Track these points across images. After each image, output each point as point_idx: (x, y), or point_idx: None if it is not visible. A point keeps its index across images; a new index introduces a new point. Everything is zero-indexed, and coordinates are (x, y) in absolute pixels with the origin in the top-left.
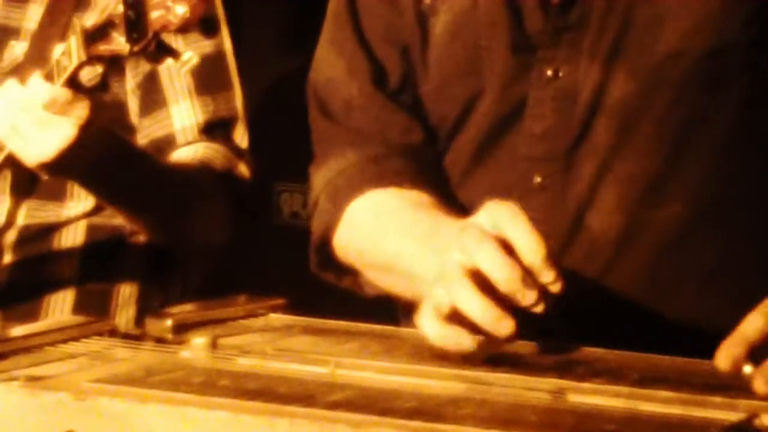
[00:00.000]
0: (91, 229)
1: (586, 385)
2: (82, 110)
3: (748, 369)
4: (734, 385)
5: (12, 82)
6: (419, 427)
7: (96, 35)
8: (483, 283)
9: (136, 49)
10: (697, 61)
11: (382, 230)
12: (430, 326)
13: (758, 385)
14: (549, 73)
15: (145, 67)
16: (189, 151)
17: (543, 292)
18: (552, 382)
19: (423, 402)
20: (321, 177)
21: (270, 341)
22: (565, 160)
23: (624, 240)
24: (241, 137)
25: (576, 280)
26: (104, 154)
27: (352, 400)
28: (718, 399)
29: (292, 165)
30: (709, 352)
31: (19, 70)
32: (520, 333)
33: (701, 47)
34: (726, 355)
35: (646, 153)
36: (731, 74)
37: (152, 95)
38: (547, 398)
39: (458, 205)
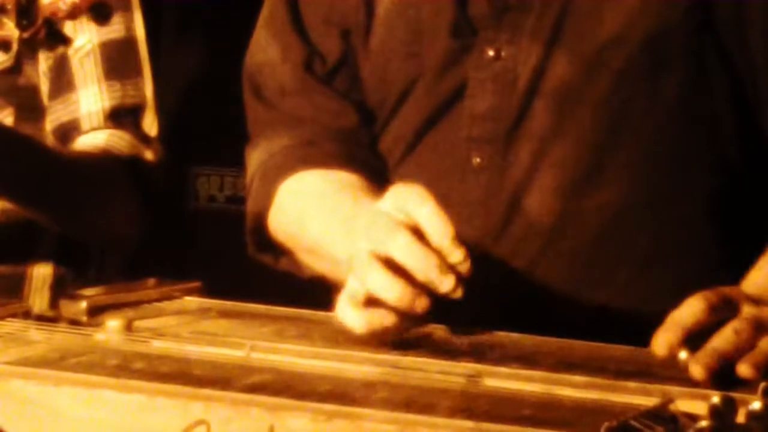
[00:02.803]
0: (3, 214)
1: (501, 369)
2: None
3: (683, 355)
4: (649, 371)
5: None
6: (334, 410)
7: None
8: (395, 268)
9: (25, 35)
10: (638, 47)
11: (307, 212)
12: (349, 315)
13: (694, 371)
14: (491, 53)
15: (57, 50)
16: (94, 138)
17: (459, 279)
18: (467, 367)
19: (338, 385)
20: (255, 159)
21: (185, 324)
22: (504, 142)
23: (560, 224)
24: (149, 125)
25: (511, 263)
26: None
27: (267, 383)
28: (633, 384)
29: (209, 149)
30: (642, 339)
31: None
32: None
33: (642, 32)
34: (662, 341)
35: (583, 138)
36: (672, 61)
37: (62, 78)
38: (462, 382)
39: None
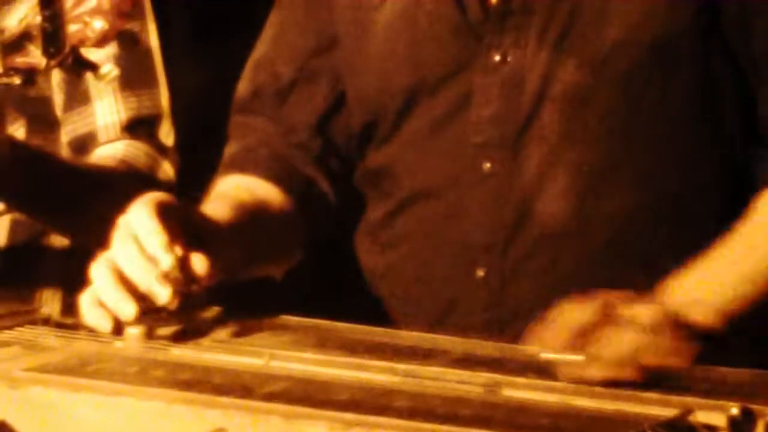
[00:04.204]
0: (15, 225)
1: (519, 379)
2: None
3: (561, 356)
4: (667, 382)
5: None
6: (353, 419)
7: (12, 47)
8: (121, 275)
9: (52, 63)
10: (645, 50)
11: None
12: (82, 306)
13: (562, 373)
14: (496, 58)
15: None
16: (111, 149)
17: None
18: (485, 377)
19: (357, 394)
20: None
21: (205, 333)
22: (512, 147)
23: (572, 228)
24: (166, 134)
25: (523, 268)
26: (11, 169)
27: (287, 391)
28: (652, 395)
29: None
30: None
31: None
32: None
33: (650, 36)
34: (547, 341)
35: (593, 141)
36: (680, 64)
37: (76, 90)
38: (480, 392)
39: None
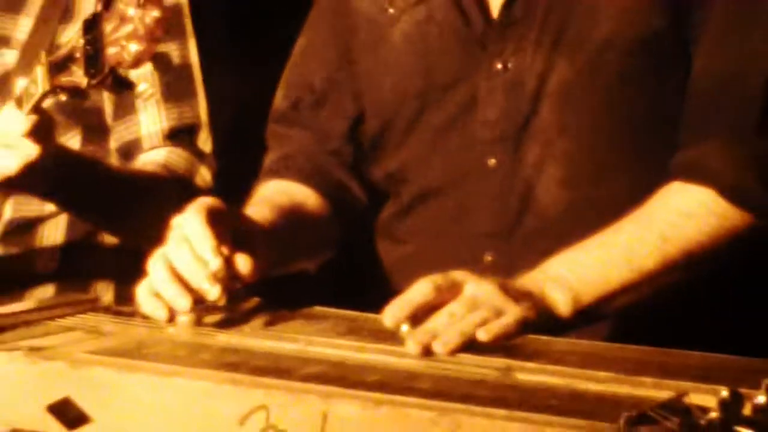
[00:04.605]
0: (72, 223)
1: (530, 364)
2: (30, 152)
3: (404, 328)
4: (664, 368)
5: None
6: (381, 398)
7: (59, 67)
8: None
9: (93, 82)
10: (630, 50)
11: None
12: (139, 295)
13: (409, 345)
14: (499, 65)
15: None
16: (154, 155)
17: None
18: (499, 361)
19: (386, 376)
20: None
21: (247, 320)
22: (514, 143)
23: (569, 214)
24: (204, 141)
25: (527, 253)
26: (58, 173)
27: (322, 373)
28: (649, 379)
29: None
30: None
31: (7, 78)
32: None
33: (634, 37)
34: (390, 314)
35: (586, 133)
36: (663, 62)
37: (124, 101)
38: (495, 375)
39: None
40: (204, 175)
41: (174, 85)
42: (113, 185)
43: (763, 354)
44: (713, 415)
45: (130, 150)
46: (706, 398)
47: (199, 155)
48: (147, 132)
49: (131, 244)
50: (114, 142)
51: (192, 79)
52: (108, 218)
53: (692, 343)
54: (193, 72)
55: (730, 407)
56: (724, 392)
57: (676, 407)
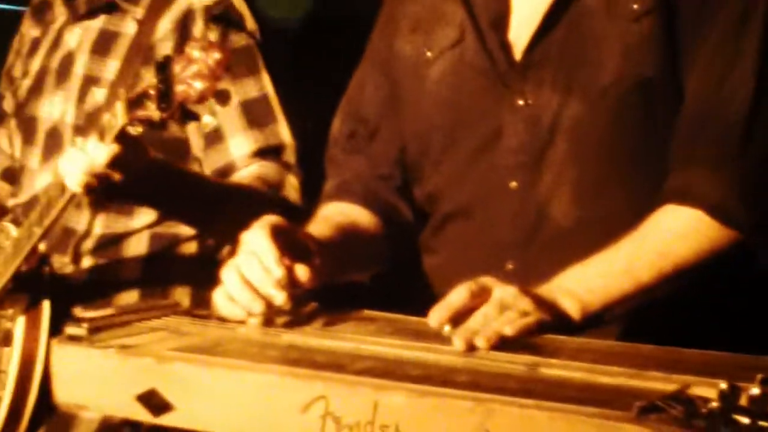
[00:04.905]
0: (154, 238)
1: (553, 360)
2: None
3: (447, 329)
4: (671, 364)
5: (74, 150)
6: (425, 390)
7: (135, 103)
8: (246, 280)
9: (164, 116)
10: (630, 90)
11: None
12: (216, 300)
13: (454, 342)
14: (520, 102)
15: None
16: (247, 171)
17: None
18: (527, 358)
19: (429, 370)
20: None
21: (307, 322)
22: (533, 167)
23: (578, 228)
24: (289, 155)
25: (542, 262)
26: (158, 189)
27: (372, 368)
28: (657, 374)
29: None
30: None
31: (98, 113)
32: None
33: (633, 80)
34: (435, 317)
35: (591, 161)
36: (657, 100)
37: (212, 132)
38: (523, 369)
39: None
40: (293, 183)
41: (255, 113)
42: (216, 192)
43: (756, 351)
44: (713, 405)
45: (225, 172)
46: (707, 390)
47: (286, 166)
48: (238, 155)
49: (210, 254)
50: (207, 168)
51: (271, 106)
52: (210, 222)
53: (694, 342)
54: (270, 100)
55: (728, 398)
56: (723, 385)
57: (681, 398)
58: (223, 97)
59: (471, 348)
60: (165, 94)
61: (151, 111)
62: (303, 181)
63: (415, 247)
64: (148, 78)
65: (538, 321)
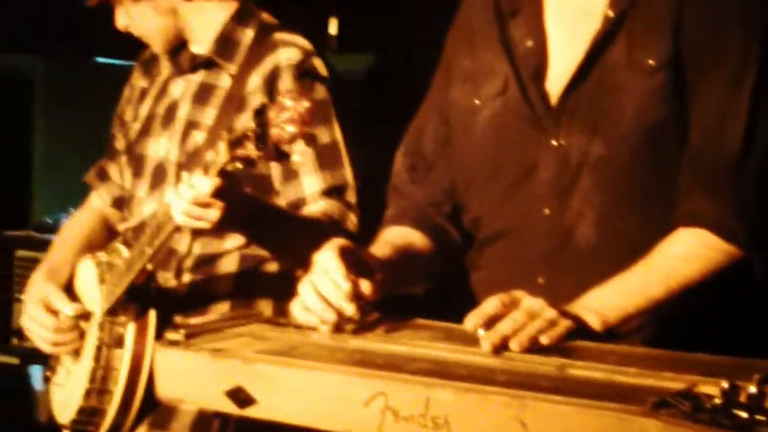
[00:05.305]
0: (243, 258)
1: (580, 362)
2: (216, 210)
3: (480, 332)
4: (680, 366)
5: (181, 185)
6: (470, 387)
7: (236, 143)
8: (320, 293)
9: (261, 155)
10: (645, 132)
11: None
12: (294, 310)
13: (482, 343)
14: (554, 142)
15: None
16: (316, 207)
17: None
18: (557, 360)
19: (472, 371)
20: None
21: (370, 329)
22: (562, 197)
23: (598, 248)
24: (350, 197)
25: (567, 276)
26: (249, 218)
27: (425, 368)
28: (668, 374)
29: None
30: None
31: (197, 153)
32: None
33: (648, 124)
34: (470, 321)
35: (611, 191)
36: (668, 140)
37: (289, 170)
38: (554, 371)
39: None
40: (352, 220)
41: (326, 157)
42: (291, 222)
43: (754, 355)
44: (716, 401)
45: (298, 205)
46: (712, 388)
47: (348, 206)
48: (309, 191)
49: (297, 267)
50: (283, 200)
51: (339, 152)
52: (283, 248)
53: (700, 347)
54: (339, 147)
55: (730, 395)
56: (725, 384)
57: (689, 395)
58: (310, 139)
59: (497, 348)
60: (262, 136)
61: (250, 150)
62: (361, 217)
63: (462, 264)
64: (247, 122)
65: (567, 328)
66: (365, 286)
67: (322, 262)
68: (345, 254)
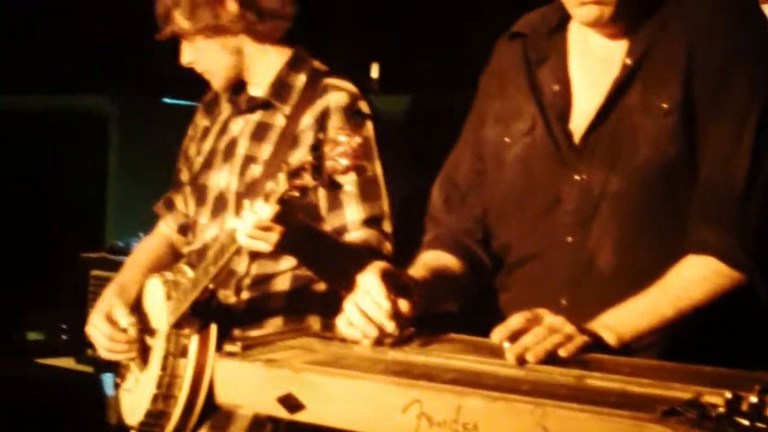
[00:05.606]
0: (294, 278)
1: (597, 374)
2: (275, 234)
3: (506, 345)
4: (688, 378)
5: (245, 211)
6: (497, 395)
7: (295, 173)
8: (363, 312)
9: (316, 184)
10: (658, 168)
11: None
12: (340, 326)
13: (507, 355)
14: (576, 177)
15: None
16: (356, 235)
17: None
18: (575, 371)
19: (499, 380)
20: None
21: (406, 343)
22: (584, 226)
23: (617, 273)
24: (387, 226)
25: (588, 300)
26: (301, 242)
27: (456, 378)
28: (677, 384)
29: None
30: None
31: (255, 184)
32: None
33: (660, 160)
34: (496, 335)
35: (629, 222)
36: (680, 174)
37: (334, 200)
38: (573, 381)
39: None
40: (388, 248)
41: (367, 190)
42: (336, 249)
43: (755, 368)
44: (721, 410)
45: (340, 231)
46: (716, 398)
47: (385, 235)
48: (351, 220)
49: (337, 288)
50: (328, 227)
51: (379, 185)
52: (327, 270)
53: (706, 360)
54: (379, 180)
55: (733, 405)
56: (728, 394)
57: (695, 404)
58: (360, 171)
59: (520, 360)
60: (317, 168)
61: (307, 180)
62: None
63: (491, 285)
64: (303, 156)
65: (584, 343)
66: (403, 306)
67: (365, 284)
68: (386, 276)
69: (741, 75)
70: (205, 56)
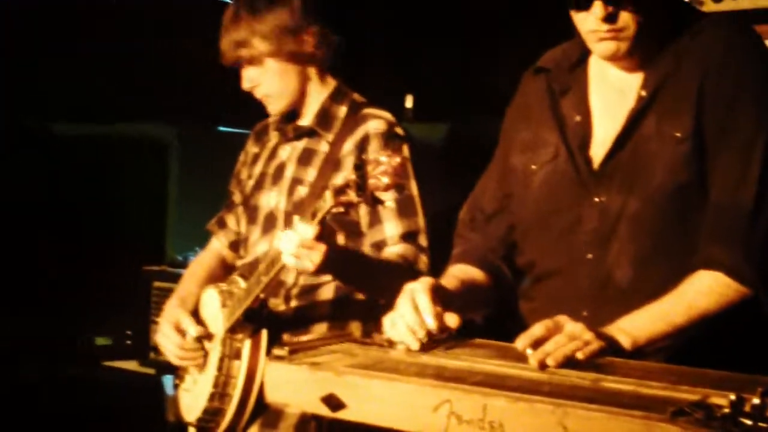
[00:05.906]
0: (338, 288)
1: (612, 377)
2: (318, 253)
3: (529, 351)
4: (695, 380)
5: (289, 231)
6: (519, 396)
7: (340, 191)
8: (403, 319)
9: (360, 200)
10: (672, 192)
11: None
12: (387, 327)
13: (530, 360)
14: (596, 199)
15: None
16: (394, 249)
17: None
18: (592, 375)
19: (523, 383)
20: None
21: (437, 348)
22: (603, 244)
23: (634, 287)
24: (423, 241)
25: (607, 312)
26: (341, 261)
27: (483, 380)
28: (685, 387)
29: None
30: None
31: (302, 204)
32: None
33: (673, 183)
34: (520, 342)
35: (644, 240)
36: (692, 196)
37: (374, 216)
38: (590, 383)
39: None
40: (423, 260)
41: (404, 206)
42: (373, 266)
43: (758, 372)
44: (726, 410)
45: (379, 245)
46: (721, 400)
47: (421, 249)
48: (390, 234)
49: (376, 299)
50: (369, 240)
51: (415, 203)
52: (367, 285)
53: (713, 365)
54: (415, 198)
55: (737, 406)
56: (733, 396)
57: (702, 405)
58: (400, 189)
59: (543, 365)
60: (361, 185)
61: (351, 197)
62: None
63: (514, 296)
64: (348, 175)
65: (600, 347)
66: (450, 319)
67: (411, 295)
68: (432, 290)
69: (748, 107)
70: (275, 80)
